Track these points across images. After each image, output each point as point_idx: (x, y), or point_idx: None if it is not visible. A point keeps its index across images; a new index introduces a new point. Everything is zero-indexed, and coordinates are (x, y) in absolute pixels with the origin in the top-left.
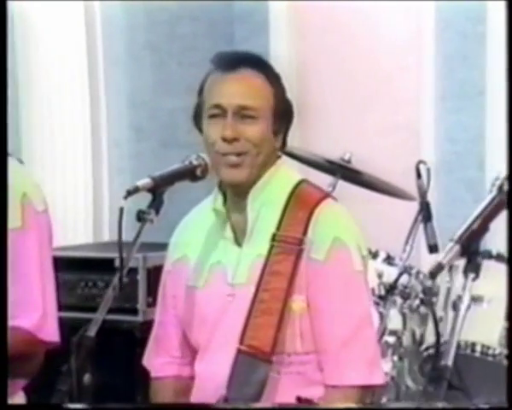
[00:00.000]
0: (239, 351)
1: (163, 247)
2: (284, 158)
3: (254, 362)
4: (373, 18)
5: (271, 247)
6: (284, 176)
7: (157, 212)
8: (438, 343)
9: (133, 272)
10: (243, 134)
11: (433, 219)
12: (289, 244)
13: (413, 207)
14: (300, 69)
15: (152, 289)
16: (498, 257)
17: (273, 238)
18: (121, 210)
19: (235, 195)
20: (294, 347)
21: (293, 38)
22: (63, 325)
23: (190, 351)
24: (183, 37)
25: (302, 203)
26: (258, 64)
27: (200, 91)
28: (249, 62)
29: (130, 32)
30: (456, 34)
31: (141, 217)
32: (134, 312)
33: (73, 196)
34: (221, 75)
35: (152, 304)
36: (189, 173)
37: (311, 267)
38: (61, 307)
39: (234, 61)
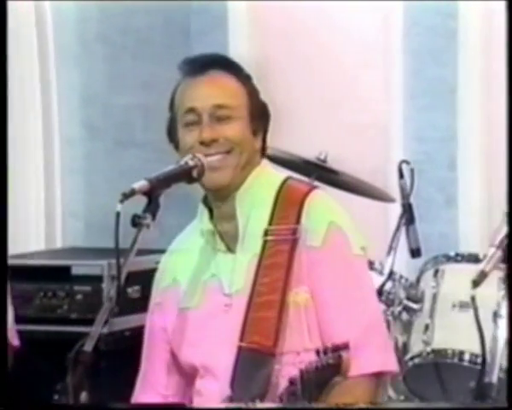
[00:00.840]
0: (240, 348)
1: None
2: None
3: (257, 357)
4: (338, 15)
5: (264, 242)
6: (270, 176)
7: (153, 216)
8: (483, 359)
9: (97, 280)
10: (222, 134)
11: (415, 221)
12: (283, 235)
13: (384, 208)
14: (263, 68)
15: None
16: None
17: (265, 234)
18: (118, 215)
19: (221, 201)
20: (303, 343)
21: (254, 34)
22: (23, 338)
23: (177, 382)
24: (138, 30)
25: (291, 197)
26: (228, 65)
27: (172, 103)
28: (218, 64)
29: (81, 24)
30: (425, 30)
31: (136, 222)
32: None
33: (24, 198)
34: (191, 80)
35: (118, 314)
36: (186, 174)
37: (309, 256)
38: (19, 319)
39: (202, 65)
